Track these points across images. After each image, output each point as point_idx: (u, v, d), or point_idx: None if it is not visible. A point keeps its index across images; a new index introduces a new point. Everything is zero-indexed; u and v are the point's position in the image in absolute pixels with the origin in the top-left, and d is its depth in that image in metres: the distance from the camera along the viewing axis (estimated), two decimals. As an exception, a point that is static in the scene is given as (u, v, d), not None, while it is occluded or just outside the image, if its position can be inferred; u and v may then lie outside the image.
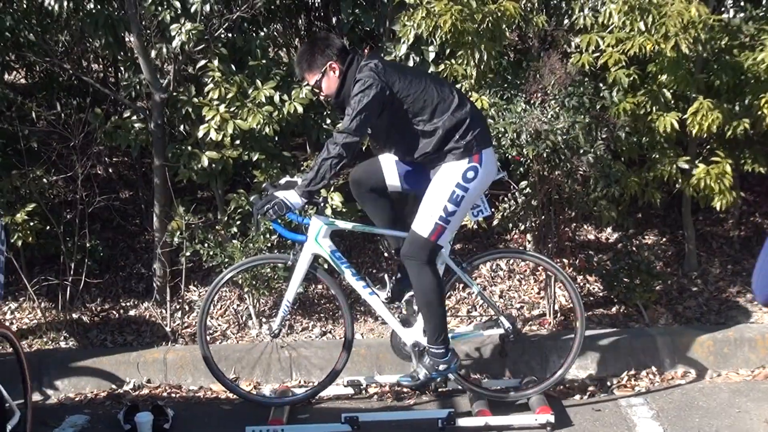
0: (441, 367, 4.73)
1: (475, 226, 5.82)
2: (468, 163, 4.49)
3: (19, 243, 5.82)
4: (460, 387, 5.07)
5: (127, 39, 6.25)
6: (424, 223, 4.54)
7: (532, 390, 4.98)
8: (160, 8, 5.72)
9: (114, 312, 6.24)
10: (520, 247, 6.33)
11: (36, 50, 6.20)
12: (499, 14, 5.32)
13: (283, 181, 4.89)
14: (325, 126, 6.09)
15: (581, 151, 5.26)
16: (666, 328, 5.69)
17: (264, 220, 4.73)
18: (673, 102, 5.62)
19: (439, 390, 5.22)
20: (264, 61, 5.95)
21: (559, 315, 5.85)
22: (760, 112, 5.44)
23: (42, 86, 6.99)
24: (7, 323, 6.07)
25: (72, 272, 5.92)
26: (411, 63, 5.79)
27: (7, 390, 4.27)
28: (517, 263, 6.42)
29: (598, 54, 5.51)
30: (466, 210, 4.63)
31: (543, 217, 5.64)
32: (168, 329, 5.94)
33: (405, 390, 5.32)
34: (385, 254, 6.25)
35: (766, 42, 5.46)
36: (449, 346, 4.73)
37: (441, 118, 4.44)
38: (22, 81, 7.53)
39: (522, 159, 5.29)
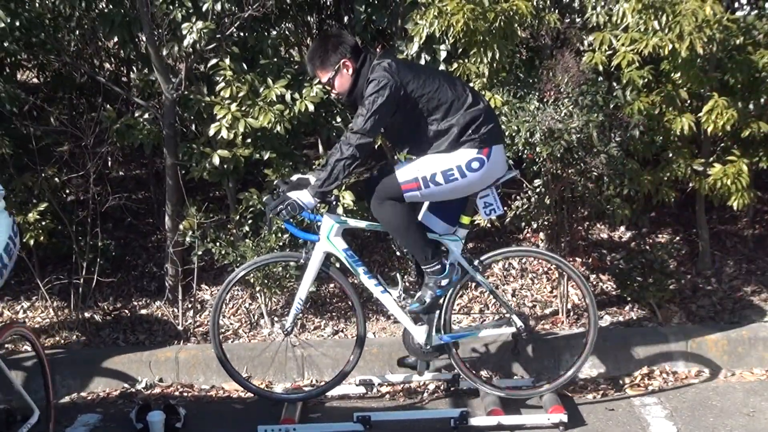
0: (443, 283, 4.71)
1: (488, 225, 5.80)
2: (477, 153, 4.48)
3: (32, 242, 5.83)
4: (472, 386, 5.05)
5: (140, 38, 6.25)
6: (406, 171, 4.54)
7: (544, 389, 4.96)
8: (171, 7, 5.72)
9: (126, 311, 6.25)
10: (533, 246, 6.31)
11: (48, 49, 6.21)
12: (512, 13, 5.29)
13: (294, 178, 4.87)
14: (336, 124, 6.08)
15: (594, 150, 5.23)
16: (679, 327, 5.66)
17: (277, 219, 4.73)
18: (687, 101, 5.60)
19: (452, 389, 5.22)
20: (275, 60, 5.94)
21: (571, 314, 5.83)
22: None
23: (54, 86, 6.99)
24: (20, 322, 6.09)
25: (84, 271, 5.93)
26: (422, 62, 5.77)
27: (26, 389, 4.29)
28: (530, 262, 6.40)
29: (611, 52, 5.48)
30: (448, 192, 4.58)
31: (556, 215, 5.62)
32: (180, 328, 5.94)
33: (417, 389, 5.32)
34: (397, 253, 6.23)
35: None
36: (443, 260, 4.70)
37: (455, 116, 4.43)
38: (35, 80, 7.54)
39: (535, 158, 5.27)
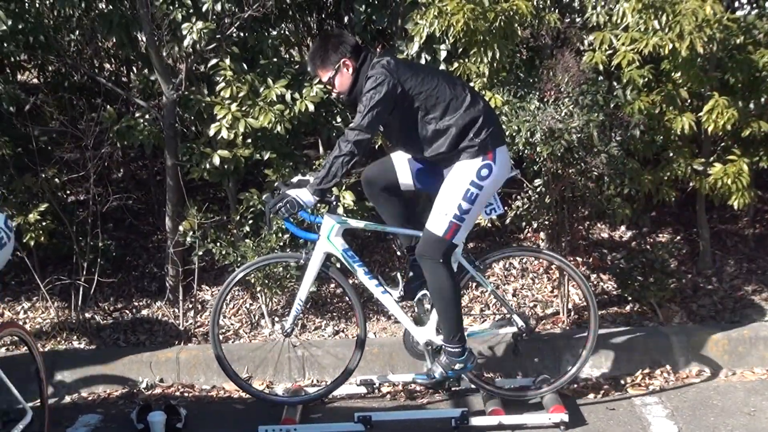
0: (457, 366, 4.72)
1: (489, 225, 5.80)
2: (482, 161, 4.48)
3: (32, 243, 5.83)
4: (473, 386, 5.05)
5: (139, 38, 6.25)
6: (438, 221, 4.52)
7: (545, 389, 4.96)
8: (171, 7, 5.72)
9: (127, 311, 6.25)
10: (534, 246, 6.31)
11: (48, 50, 6.20)
12: (512, 12, 5.29)
13: (295, 179, 4.88)
14: (336, 124, 6.08)
15: (595, 150, 5.23)
16: (680, 327, 5.66)
17: (276, 218, 4.73)
18: (687, 100, 5.60)
19: (453, 389, 5.21)
20: (275, 60, 5.94)
21: (572, 313, 5.83)
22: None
23: (54, 86, 6.99)
24: (20, 323, 6.08)
25: (85, 272, 5.93)
26: (423, 62, 5.77)
27: (21, 390, 4.28)
28: (531, 261, 6.40)
29: (611, 52, 5.48)
30: (480, 208, 4.62)
31: (556, 215, 5.62)
32: (181, 328, 5.94)
33: (418, 389, 5.31)
34: (398, 253, 6.23)
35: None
36: (466, 345, 4.72)
37: (453, 116, 4.43)
38: (35, 81, 7.54)
39: (536, 157, 5.27)
